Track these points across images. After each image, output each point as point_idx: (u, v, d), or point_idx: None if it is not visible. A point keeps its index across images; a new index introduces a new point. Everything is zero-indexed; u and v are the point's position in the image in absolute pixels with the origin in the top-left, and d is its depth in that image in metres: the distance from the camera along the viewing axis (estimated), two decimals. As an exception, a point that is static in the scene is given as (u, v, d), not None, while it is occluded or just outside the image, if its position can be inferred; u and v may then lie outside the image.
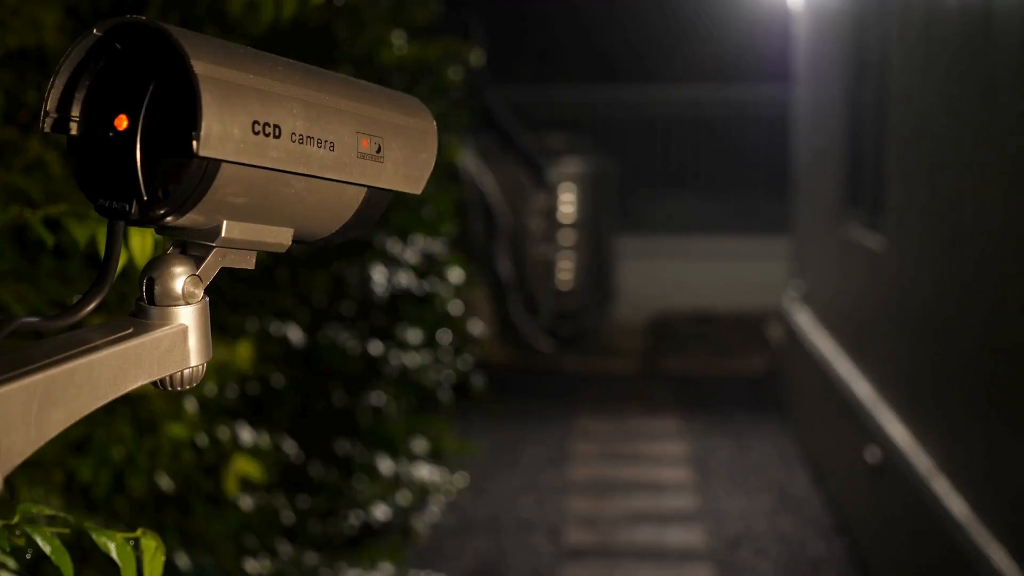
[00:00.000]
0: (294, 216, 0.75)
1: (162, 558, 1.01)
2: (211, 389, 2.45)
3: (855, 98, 5.39)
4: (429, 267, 3.90)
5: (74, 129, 0.71)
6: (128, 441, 2.04)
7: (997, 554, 2.95)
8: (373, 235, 3.53)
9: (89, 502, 2.19)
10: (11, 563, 1.13)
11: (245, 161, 0.67)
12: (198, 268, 0.73)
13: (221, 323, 2.77)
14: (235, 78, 0.66)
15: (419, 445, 4.00)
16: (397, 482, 3.78)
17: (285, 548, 2.96)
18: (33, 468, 1.95)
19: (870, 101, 5.07)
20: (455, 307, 4.13)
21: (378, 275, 3.52)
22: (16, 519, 0.99)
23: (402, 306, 3.80)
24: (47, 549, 0.98)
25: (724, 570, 4.57)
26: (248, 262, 0.76)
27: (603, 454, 6.14)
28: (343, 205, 0.77)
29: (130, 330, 0.71)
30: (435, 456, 4.13)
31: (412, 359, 3.78)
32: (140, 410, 2.11)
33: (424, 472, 3.91)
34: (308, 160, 0.71)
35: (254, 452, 2.59)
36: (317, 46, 3.21)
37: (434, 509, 4.29)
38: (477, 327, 4.66)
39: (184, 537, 2.47)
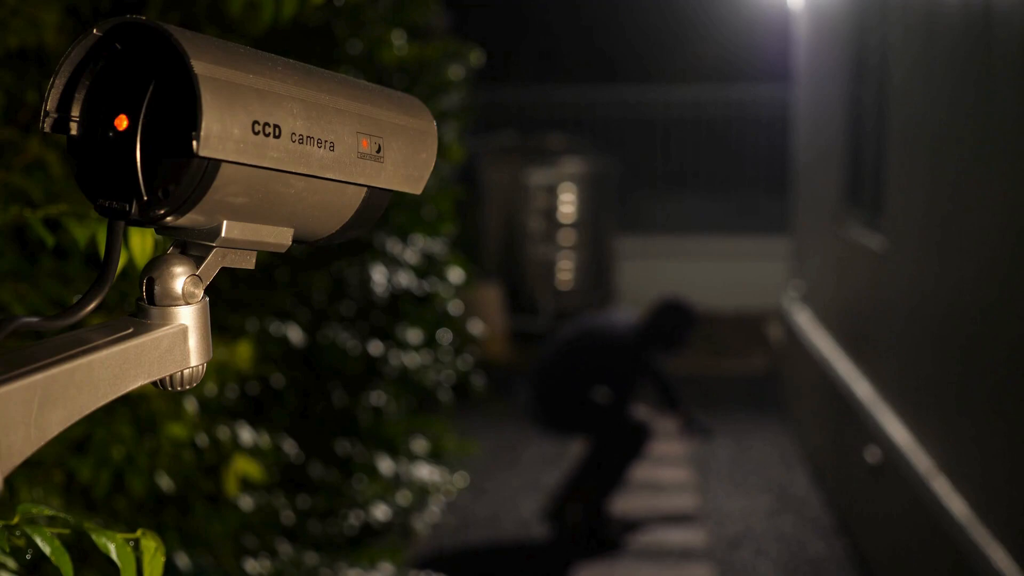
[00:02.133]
0: (294, 216, 0.75)
1: (162, 558, 1.01)
2: (211, 389, 2.45)
3: (855, 98, 5.39)
4: (429, 267, 3.90)
5: (74, 129, 0.71)
6: (128, 441, 2.04)
7: (997, 554, 2.95)
8: (373, 235, 3.53)
9: (89, 502, 2.19)
10: (11, 563, 1.13)
11: (245, 161, 0.67)
12: (198, 268, 0.73)
13: (221, 323, 2.77)
14: (235, 78, 0.66)
15: (419, 445, 4.01)
16: (397, 482, 3.78)
17: (285, 548, 2.96)
18: (33, 468, 1.95)
19: (870, 101, 5.07)
20: (455, 307, 4.13)
21: (378, 275, 3.52)
22: (16, 519, 0.99)
23: (402, 306, 3.81)
24: (47, 549, 0.98)
25: (724, 570, 4.57)
26: (248, 262, 0.76)
27: (603, 454, 6.14)
28: (343, 205, 0.77)
29: (130, 330, 0.71)
30: (435, 456, 4.13)
31: (412, 359, 3.78)
32: (140, 410, 2.11)
33: (424, 472, 3.92)
34: (308, 160, 0.71)
35: (254, 452, 2.59)
36: (317, 46, 3.21)
37: (434, 509, 4.30)
38: (477, 327, 4.66)
39: (184, 537, 2.47)
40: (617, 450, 4.99)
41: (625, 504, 5.23)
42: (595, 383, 5.01)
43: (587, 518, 4.91)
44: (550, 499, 5.03)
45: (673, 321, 5.04)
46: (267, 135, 0.68)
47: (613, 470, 4.99)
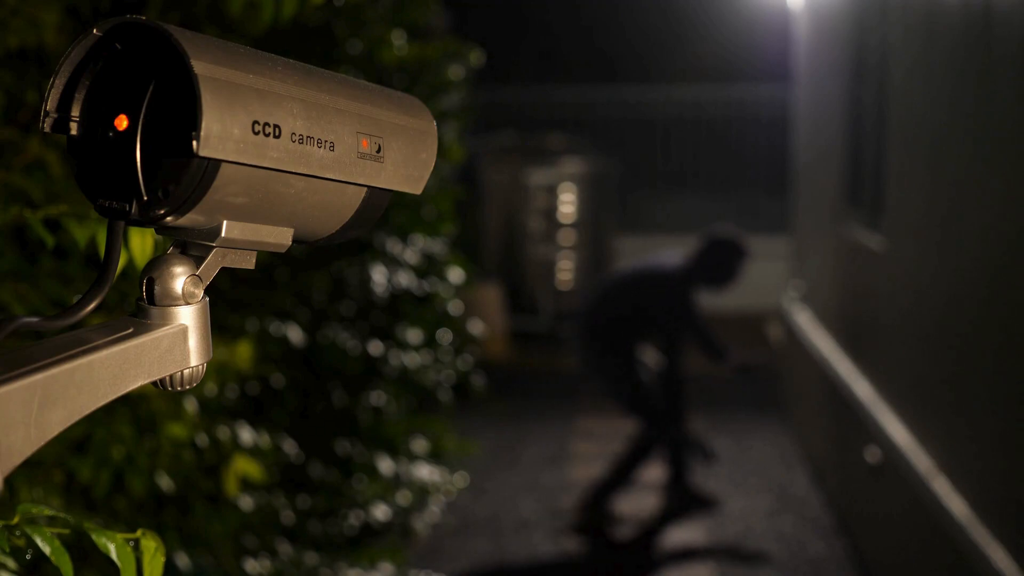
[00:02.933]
0: (294, 216, 0.75)
1: (162, 558, 1.01)
2: (211, 389, 2.46)
3: (855, 98, 5.39)
4: (429, 267, 3.90)
5: (74, 129, 0.71)
6: (128, 441, 2.04)
7: (997, 554, 2.95)
8: (373, 235, 3.53)
9: (89, 502, 2.19)
10: (11, 563, 1.13)
11: (245, 161, 0.67)
12: (198, 268, 0.73)
13: (221, 323, 2.77)
14: (235, 78, 0.66)
15: (419, 445, 4.01)
16: (397, 482, 3.78)
17: (285, 548, 2.96)
18: (33, 468, 1.95)
19: (870, 101, 5.07)
20: (455, 307, 4.13)
21: (378, 275, 3.52)
22: (16, 519, 0.99)
23: (402, 306, 3.81)
24: (47, 549, 0.98)
25: (724, 570, 4.57)
26: (248, 262, 0.76)
27: (603, 454, 6.14)
28: (343, 205, 0.77)
29: (130, 330, 0.71)
30: (435, 456, 4.13)
31: (412, 359, 3.78)
32: (140, 410, 2.11)
33: (424, 472, 3.92)
34: (308, 160, 0.71)
35: (254, 452, 2.59)
36: (317, 46, 3.21)
37: (434, 509, 4.30)
38: (477, 327, 4.66)
39: (184, 537, 2.47)
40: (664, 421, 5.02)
41: (624, 504, 5.23)
42: (642, 330, 5.03)
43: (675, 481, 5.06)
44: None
45: (721, 254, 5.02)
46: (267, 135, 0.68)
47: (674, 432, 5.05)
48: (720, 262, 5.01)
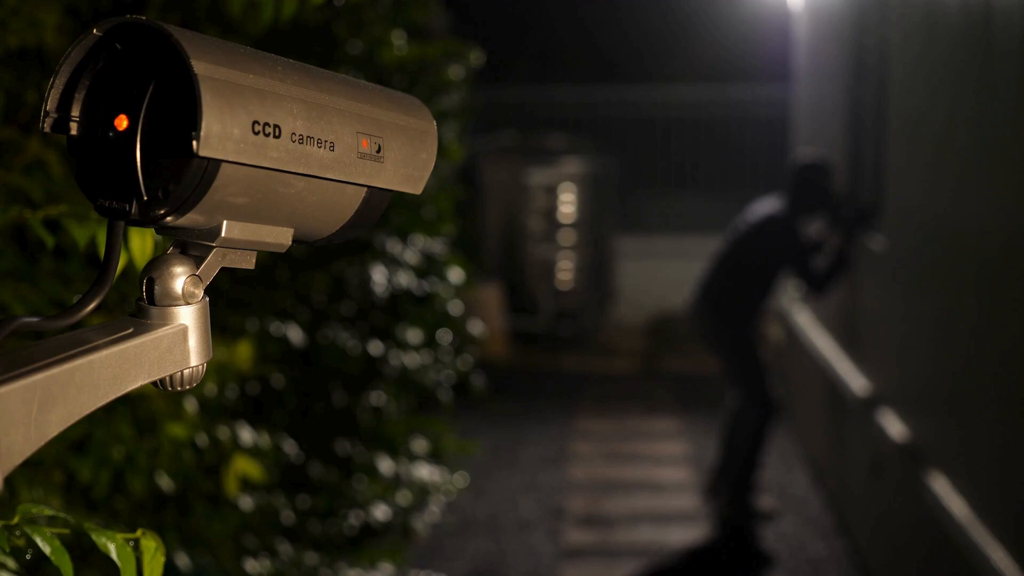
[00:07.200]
0: (294, 216, 0.75)
1: (162, 558, 1.01)
2: (211, 389, 2.45)
3: (855, 98, 5.39)
4: (429, 267, 3.90)
5: (74, 129, 0.71)
6: (128, 441, 2.04)
7: (997, 554, 2.95)
8: (373, 235, 3.53)
9: (89, 502, 2.19)
10: (11, 563, 1.13)
11: (245, 161, 0.67)
12: (198, 268, 0.73)
13: (221, 323, 2.77)
14: (235, 78, 0.66)
15: (419, 445, 4.00)
16: (397, 482, 3.78)
17: (285, 548, 2.96)
18: (33, 468, 1.95)
19: (870, 101, 5.07)
20: (455, 307, 4.13)
21: (378, 275, 3.52)
22: (16, 519, 0.99)
23: (402, 306, 3.80)
24: (47, 549, 0.98)
25: (724, 569, 4.57)
26: (248, 262, 0.76)
27: (603, 454, 6.15)
28: (343, 205, 0.77)
29: (130, 330, 0.71)
30: (435, 456, 4.13)
31: (412, 359, 3.78)
32: (140, 410, 2.11)
33: (424, 472, 3.91)
34: (308, 160, 0.71)
35: (254, 452, 2.59)
36: (317, 46, 3.21)
37: (434, 509, 4.29)
38: (477, 327, 4.66)
39: (184, 537, 2.47)
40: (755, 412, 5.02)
41: (625, 503, 5.23)
42: (767, 285, 5.09)
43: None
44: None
45: (807, 181, 5.03)
46: (267, 135, 0.68)
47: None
48: (810, 188, 5.03)
